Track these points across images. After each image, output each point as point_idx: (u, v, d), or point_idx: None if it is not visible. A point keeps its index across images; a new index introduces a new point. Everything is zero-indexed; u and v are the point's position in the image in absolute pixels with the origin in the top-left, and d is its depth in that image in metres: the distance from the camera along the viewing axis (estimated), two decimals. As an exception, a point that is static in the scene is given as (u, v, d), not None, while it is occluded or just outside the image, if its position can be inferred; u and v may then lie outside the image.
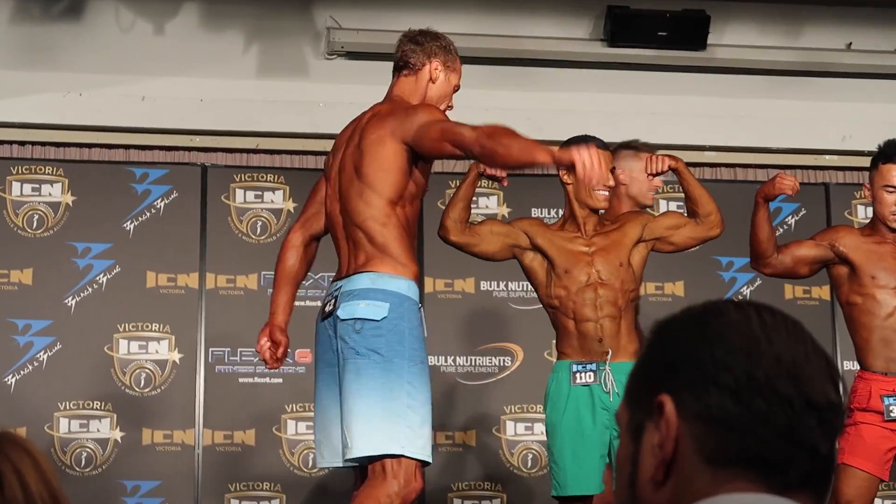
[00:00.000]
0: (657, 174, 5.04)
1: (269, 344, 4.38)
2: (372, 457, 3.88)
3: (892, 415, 4.84)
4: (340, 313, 4.04)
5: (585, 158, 3.73)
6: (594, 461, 4.78)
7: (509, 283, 7.22)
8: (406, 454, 3.88)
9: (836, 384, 1.44)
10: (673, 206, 7.52)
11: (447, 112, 4.36)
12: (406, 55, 4.45)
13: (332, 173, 4.35)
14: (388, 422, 3.87)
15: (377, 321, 3.98)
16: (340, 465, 4.05)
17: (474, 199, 5.07)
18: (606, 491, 4.83)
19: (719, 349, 1.42)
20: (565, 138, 6.99)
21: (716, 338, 1.43)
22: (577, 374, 4.82)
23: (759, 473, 1.39)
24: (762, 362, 1.41)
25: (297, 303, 7.11)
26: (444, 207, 4.97)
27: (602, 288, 4.87)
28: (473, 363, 7.16)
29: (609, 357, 4.82)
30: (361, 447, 3.86)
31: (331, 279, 4.35)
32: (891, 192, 4.94)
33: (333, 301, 4.13)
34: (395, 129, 4.13)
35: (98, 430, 6.89)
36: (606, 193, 4.98)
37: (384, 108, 4.31)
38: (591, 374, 4.81)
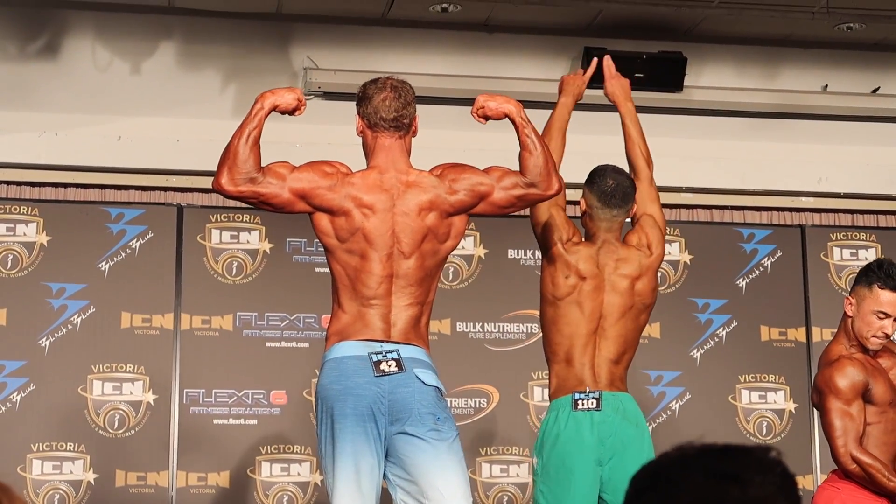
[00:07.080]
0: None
1: None
2: None
3: None
4: (425, 378, 4.21)
5: None
6: None
7: (485, 324, 7.21)
8: None
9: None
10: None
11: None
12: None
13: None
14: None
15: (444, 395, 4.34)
16: None
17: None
18: None
19: None
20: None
21: None
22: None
23: None
24: None
25: (272, 344, 7.16)
26: None
27: None
28: (450, 405, 7.12)
29: None
30: (465, 499, 4.14)
31: (367, 338, 4.16)
32: (882, 318, 4.83)
33: (395, 363, 4.14)
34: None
35: (71, 472, 6.84)
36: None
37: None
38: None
